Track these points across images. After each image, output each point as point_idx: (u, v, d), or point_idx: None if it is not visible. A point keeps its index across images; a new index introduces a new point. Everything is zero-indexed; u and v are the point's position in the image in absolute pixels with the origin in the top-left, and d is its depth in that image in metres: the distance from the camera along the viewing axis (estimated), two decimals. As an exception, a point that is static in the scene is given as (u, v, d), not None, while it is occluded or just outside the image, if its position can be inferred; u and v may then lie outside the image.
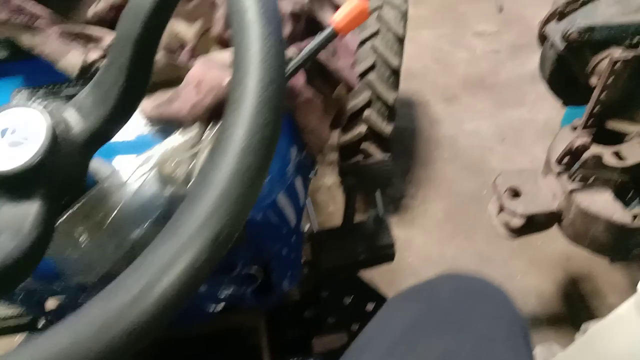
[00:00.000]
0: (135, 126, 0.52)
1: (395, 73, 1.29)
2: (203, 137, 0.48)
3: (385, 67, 1.27)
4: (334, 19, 0.51)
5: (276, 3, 0.34)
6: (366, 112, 1.29)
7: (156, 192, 0.45)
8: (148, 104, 0.52)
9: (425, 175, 1.71)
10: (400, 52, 1.29)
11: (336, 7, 0.69)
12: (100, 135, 0.39)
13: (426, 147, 1.80)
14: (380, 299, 1.00)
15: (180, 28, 0.60)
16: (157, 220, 0.44)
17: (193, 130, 0.49)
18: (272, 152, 0.30)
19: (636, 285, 1.38)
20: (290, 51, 0.55)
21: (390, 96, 1.29)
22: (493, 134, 1.82)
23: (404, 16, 1.32)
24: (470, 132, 1.83)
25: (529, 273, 1.45)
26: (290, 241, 0.63)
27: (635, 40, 1.07)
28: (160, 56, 0.53)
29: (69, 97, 0.40)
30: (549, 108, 1.83)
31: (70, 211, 0.39)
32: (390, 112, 1.32)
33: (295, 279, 0.69)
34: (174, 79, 0.53)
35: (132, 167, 0.44)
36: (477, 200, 1.62)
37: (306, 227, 0.87)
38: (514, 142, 1.78)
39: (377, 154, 1.35)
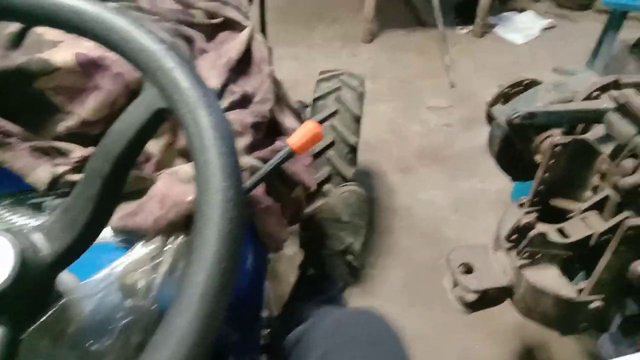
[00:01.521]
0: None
1: (353, 150, 1.35)
2: (165, 249, 0.50)
3: (344, 144, 1.33)
4: (291, 140, 0.56)
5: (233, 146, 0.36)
6: (325, 186, 1.33)
7: (118, 303, 0.46)
8: (113, 215, 0.54)
9: (384, 244, 1.74)
10: (357, 131, 1.36)
11: (293, 110, 0.73)
12: (67, 257, 0.40)
13: (384, 216, 1.84)
14: None
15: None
16: (119, 332, 0.45)
17: (155, 243, 0.50)
18: (229, 295, 0.33)
19: (589, 353, 1.43)
20: (250, 161, 0.59)
21: (348, 171, 1.34)
22: (447, 204, 1.89)
23: (361, 97, 1.39)
24: (425, 202, 1.89)
25: (487, 343, 1.47)
26: (248, 329, 0.64)
27: (572, 125, 1.17)
28: None
29: (35, 206, 0.42)
30: (500, 180, 1.91)
31: (33, 326, 0.40)
32: (349, 186, 1.36)
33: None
34: (139, 189, 0.55)
35: (95, 279, 0.45)
36: (434, 270, 1.66)
37: (265, 313, 0.88)
38: (467, 212, 1.85)
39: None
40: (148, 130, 0.40)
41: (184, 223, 0.51)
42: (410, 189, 1.94)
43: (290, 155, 0.56)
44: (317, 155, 1.31)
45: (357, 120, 1.36)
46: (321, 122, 1.33)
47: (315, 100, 1.39)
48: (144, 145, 0.41)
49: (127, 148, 0.39)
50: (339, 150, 1.32)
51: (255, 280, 0.63)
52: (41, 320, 0.41)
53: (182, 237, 0.50)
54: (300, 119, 0.80)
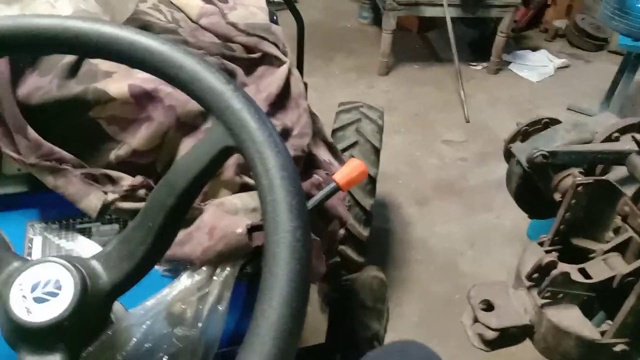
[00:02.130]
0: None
1: (372, 181, 1.36)
2: (212, 280, 0.51)
3: (364, 175, 1.34)
4: (337, 176, 0.57)
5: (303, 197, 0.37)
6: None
7: (166, 332, 0.47)
8: None
9: (400, 276, 1.74)
10: (376, 162, 1.38)
11: (327, 144, 0.75)
12: (123, 286, 0.41)
13: (400, 248, 1.84)
14: None
15: None
16: None
17: (201, 273, 0.51)
18: (300, 336, 0.34)
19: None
20: None
21: (367, 202, 1.35)
22: (463, 238, 1.89)
23: (380, 130, 1.42)
24: (441, 235, 1.90)
25: (502, 381, 1.45)
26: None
27: (592, 165, 1.18)
28: None
29: (82, 231, 0.43)
30: (515, 214, 1.92)
31: (84, 353, 0.41)
32: (367, 216, 1.37)
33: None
34: (187, 219, 0.57)
35: (143, 307, 0.46)
36: (449, 304, 1.65)
37: None
38: (483, 247, 1.85)
39: (354, 257, 1.39)
40: (213, 166, 0.41)
41: (232, 254, 0.52)
42: (427, 222, 1.94)
43: (335, 190, 0.57)
44: (338, 186, 1.33)
45: (377, 152, 1.38)
46: (342, 151, 1.35)
47: (335, 130, 1.41)
48: (207, 181, 0.42)
49: (192, 183, 0.40)
50: (360, 182, 1.34)
51: None
52: (93, 347, 0.42)
53: (229, 268, 0.52)
54: (335, 152, 0.81)
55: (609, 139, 1.18)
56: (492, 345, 1.07)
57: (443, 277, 1.74)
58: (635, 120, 1.16)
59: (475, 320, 1.07)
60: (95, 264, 0.41)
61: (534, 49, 3.17)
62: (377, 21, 3.28)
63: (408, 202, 2.03)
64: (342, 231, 1.40)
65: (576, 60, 3.13)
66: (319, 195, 0.57)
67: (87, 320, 0.38)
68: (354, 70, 2.89)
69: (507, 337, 1.06)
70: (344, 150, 1.37)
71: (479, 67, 2.98)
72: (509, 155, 1.43)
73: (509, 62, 3.03)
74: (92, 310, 0.39)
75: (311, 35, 3.16)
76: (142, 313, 0.46)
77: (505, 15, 2.69)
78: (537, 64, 3.01)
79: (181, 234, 0.54)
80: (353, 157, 0.67)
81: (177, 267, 0.53)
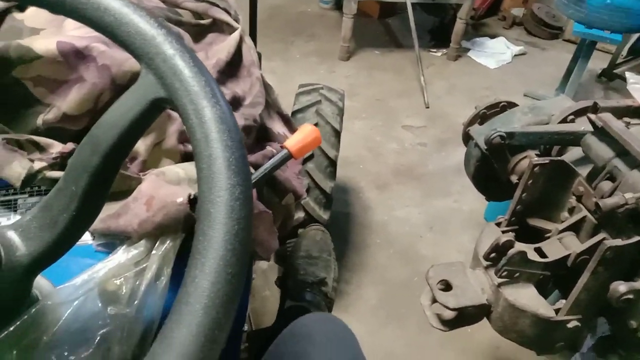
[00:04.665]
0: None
1: (332, 163, 1.34)
2: (150, 254, 0.47)
3: (324, 157, 1.32)
4: (289, 143, 0.54)
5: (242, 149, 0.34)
6: (304, 200, 1.32)
7: (98, 311, 0.42)
8: None
9: (359, 260, 1.73)
10: (336, 145, 1.35)
11: (282, 117, 0.72)
12: (45, 259, 0.37)
13: (360, 232, 1.84)
14: None
15: None
16: (99, 342, 0.42)
17: (139, 247, 0.47)
18: (236, 305, 0.30)
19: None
20: None
21: (327, 185, 1.33)
22: (422, 222, 1.90)
23: (341, 112, 1.39)
24: (401, 219, 1.90)
25: (460, 362, 1.47)
26: (229, 344, 0.62)
27: (548, 147, 1.19)
28: None
29: (6, 204, 0.39)
30: (472, 199, 1.94)
31: (2, 334, 0.36)
32: (328, 199, 1.35)
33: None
34: (122, 190, 0.52)
35: (72, 284, 0.42)
36: (408, 287, 1.65)
37: (245, 327, 0.85)
38: (441, 230, 1.86)
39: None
40: (143, 121, 0.37)
41: (172, 226, 0.49)
42: (386, 206, 1.94)
43: (288, 158, 0.54)
44: (297, 168, 1.30)
45: (337, 134, 1.36)
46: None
47: (295, 112, 1.38)
48: (137, 139, 0.38)
49: (119, 140, 0.36)
50: (319, 163, 1.31)
51: (244, 292, 0.61)
52: (12, 327, 0.37)
53: (169, 241, 0.48)
54: (290, 125, 0.78)
55: (564, 121, 1.20)
56: (450, 324, 1.07)
57: (402, 260, 1.74)
58: (589, 103, 1.17)
59: (434, 300, 1.07)
60: (11, 234, 0.36)
61: (492, 37, 3.21)
62: (338, 6, 3.25)
63: (368, 186, 2.02)
64: (301, 214, 1.38)
65: (533, 48, 3.19)
66: (269, 163, 0.54)
67: (2, 296, 0.34)
68: (314, 55, 2.85)
69: (465, 316, 1.06)
70: (303, 131, 1.34)
71: (439, 54, 3.00)
72: (467, 138, 1.43)
73: (468, 49, 3.06)
74: (7, 286, 0.35)
75: (271, 18, 3.13)
76: (71, 290, 0.41)
77: (464, 2, 2.71)
78: (495, 51, 3.05)
79: (117, 206, 0.50)
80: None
81: (113, 241, 0.49)
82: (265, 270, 1.66)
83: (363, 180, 2.04)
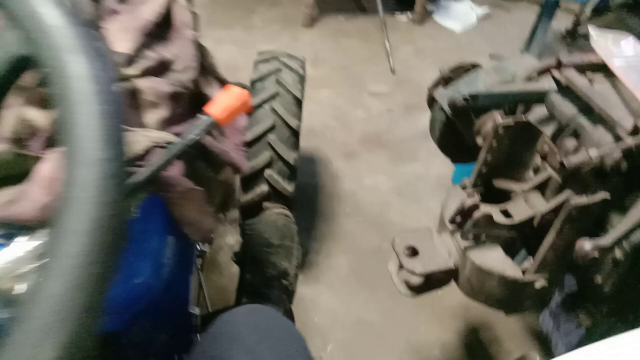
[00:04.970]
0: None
1: (295, 134, 1.30)
2: None
3: (285, 127, 1.28)
4: (212, 109, 0.49)
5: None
6: (267, 172, 1.28)
7: None
8: None
9: (329, 230, 1.72)
10: (298, 114, 1.31)
11: (221, 82, 0.67)
12: None
13: (328, 202, 1.81)
14: None
15: (32, 114, 0.51)
16: None
17: (41, 237, 0.42)
18: (98, 313, 0.25)
19: (531, 329, 1.47)
20: (165, 136, 0.52)
21: (290, 156, 1.29)
22: (390, 188, 1.88)
23: (302, 80, 1.35)
24: (369, 187, 1.88)
25: (432, 325, 1.48)
26: (175, 327, 0.59)
27: (513, 107, 1.17)
28: (3, 147, 0.46)
29: None
30: (440, 164, 1.93)
31: None
32: (292, 171, 1.32)
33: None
34: (20, 172, 0.46)
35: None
36: (378, 254, 1.65)
37: (197, 310, 0.81)
38: (410, 197, 1.85)
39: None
40: (4, 84, 0.32)
41: None
42: (355, 175, 1.92)
43: (213, 126, 0.48)
44: (257, 139, 1.26)
45: (299, 103, 1.32)
46: (261, 104, 1.27)
47: (254, 82, 1.33)
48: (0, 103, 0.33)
49: None
50: (280, 134, 1.27)
51: (178, 275, 0.57)
52: None
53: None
54: None
55: (528, 79, 1.18)
56: (418, 290, 1.06)
57: (372, 228, 1.73)
58: (553, 60, 1.15)
59: (401, 267, 1.06)
60: None
61: (457, -1, 3.17)
62: (299, -29, 3.15)
63: (336, 155, 1.99)
64: (265, 187, 1.34)
65: (498, 10, 3.16)
66: (189, 133, 0.48)
67: None
68: (277, 22, 2.77)
69: (433, 281, 1.05)
70: (264, 102, 1.29)
71: (404, 19, 2.95)
72: (432, 102, 1.41)
73: (433, 12, 3.01)
74: None
75: (231, -15, 3.01)
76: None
77: (428, -37, 2.65)
78: (460, 14, 3.01)
79: (12, 191, 0.45)
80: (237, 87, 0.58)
81: (10, 232, 0.43)
82: (233, 246, 1.63)
83: (330, 149, 2.01)
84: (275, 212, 0.82)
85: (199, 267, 0.99)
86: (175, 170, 0.52)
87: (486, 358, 1.42)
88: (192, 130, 0.48)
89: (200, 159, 0.57)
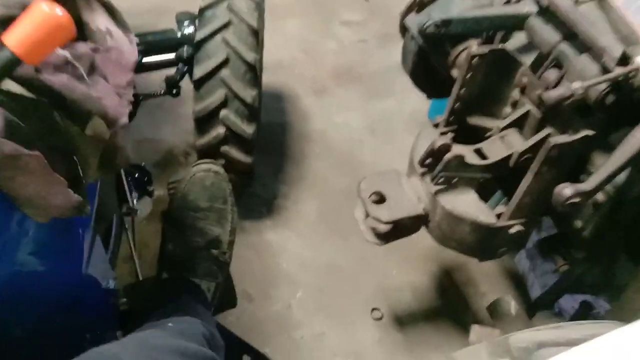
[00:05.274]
0: None
1: (252, 68, 1.17)
2: None
3: (241, 62, 1.15)
4: (10, 38, 0.35)
5: None
6: (223, 113, 1.17)
7: None
8: None
9: (297, 173, 1.62)
10: (256, 46, 1.18)
11: (107, 7, 0.53)
12: None
13: (297, 143, 1.71)
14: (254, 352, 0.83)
15: None
16: None
17: None
18: None
19: (506, 269, 1.42)
20: None
21: (248, 94, 1.17)
22: (363, 126, 1.78)
23: (259, 6, 1.20)
24: (340, 125, 1.77)
25: (404, 269, 1.43)
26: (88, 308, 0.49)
27: (490, 35, 1.06)
28: None
29: None
30: (416, 98, 1.81)
31: None
32: (251, 111, 1.20)
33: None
34: None
35: None
36: (350, 197, 1.55)
37: (111, 284, 0.70)
38: (383, 135, 1.75)
39: (240, 157, 1.24)
40: None
41: None
42: (325, 112, 1.80)
43: (14, 63, 0.36)
44: (209, 76, 1.13)
45: (255, 33, 1.18)
46: (211, 35, 1.13)
47: (202, 10, 1.18)
48: None
49: None
50: (235, 69, 1.14)
51: (61, 258, 0.47)
52: None
53: None
54: (118, 18, 0.57)
55: (507, 2, 1.05)
56: (385, 238, 0.99)
57: (343, 169, 1.64)
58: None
59: (368, 214, 0.98)
60: None
61: None
62: None
63: (305, 92, 1.86)
64: (221, 130, 1.23)
65: None
66: None
67: None
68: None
69: (401, 228, 0.98)
70: (214, 33, 1.15)
71: (379, -61, 2.73)
72: (404, 29, 1.28)
73: None
74: None
75: None
76: None
77: None
78: None
79: None
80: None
81: None
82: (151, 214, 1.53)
83: (299, 85, 1.88)
84: (202, 169, 0.69)
85: (126, 227, 0.89)
86: None
87: (460, 300, 1.38)
88: None
89: (54, 108, 0.44)
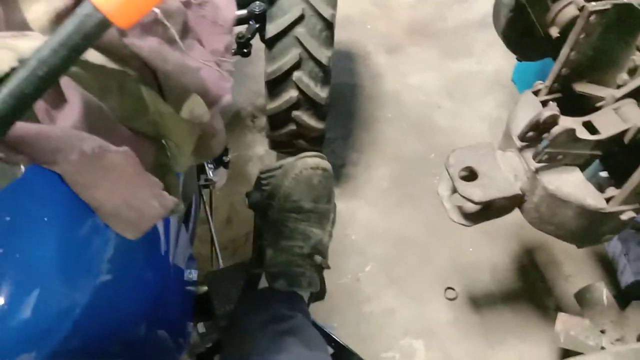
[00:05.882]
0: None
1: (329, 25, 1.08)
2: None
3: (317, 18, 1.06)
4: None
5: None
6: (296, 75, 1.09)
7: None
8: None
9: (368, 138, 1.54)
10: (333, 1, 1.08)
11: None
12: None
13: (368, 106, 1.62)
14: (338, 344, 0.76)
15: None
16: None
17: None
18: None
19: (594, 251, 1.30)
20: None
21: (323, 54, 1.09)
22: (439, 88, 1.66)
23: (336, -44, 1.10)
24: (415, 87, 1.66)
25: (481, 245, 1.33)
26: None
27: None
28: None
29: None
30: (498, 58, 1.68)
31: None
32: (325, 72, 1.12)
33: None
34: None
35: None
36: (424, 165, 1.47)
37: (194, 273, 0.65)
38: (461, 97, 1.63)
39: (312, 123, 1.17)
40: None
41: None
42: (398, 73, 1.69)
43: (102, 26, 0.25)
44: (282, 34, 1.05)
45: (332, -14, 1.08)
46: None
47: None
48: None
49: None
50: (311, 26, 1.05)
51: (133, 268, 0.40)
52: None
53: None
54: None
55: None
56: (473, 218, 0.90)
57: (417, 134, 1.54)
58: None
59: (454, 190, 0.89)
60: None
61: None
62: None
63: (377, 50, 1.75)
64: (293, 93, 1.15)
65: None
66: (54, 43, 0.25)
67: None
68: None
69: (493, 209, 0.88)
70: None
71: None
72: (497, -19, 1.15)
73: None
74: None
75: None
76: None
77: None
78: None
79: None
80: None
81: None
82: (262, 157, 1.48)
83: (370, 43, 1.76)
84: (309, 165, 0.59)
85: (204, 201, 0.84)
86: (67, 117, 0.31)
87: (542, 282, 1.28)
88: (64, 30, 0.25)
89: (142, 82, 0.35)
